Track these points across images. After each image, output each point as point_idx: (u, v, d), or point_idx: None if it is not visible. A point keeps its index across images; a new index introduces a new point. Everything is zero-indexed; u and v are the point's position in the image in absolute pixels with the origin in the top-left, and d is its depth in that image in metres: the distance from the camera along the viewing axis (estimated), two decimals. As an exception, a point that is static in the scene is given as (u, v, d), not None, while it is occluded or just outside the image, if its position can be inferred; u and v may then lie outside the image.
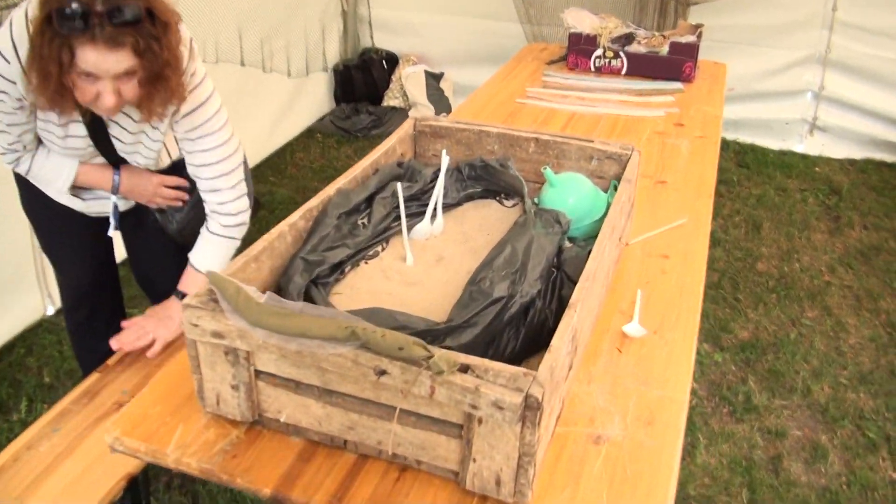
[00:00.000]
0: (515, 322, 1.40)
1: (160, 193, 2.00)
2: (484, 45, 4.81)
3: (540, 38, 4.44)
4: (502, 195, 1.87)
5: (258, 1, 3.90)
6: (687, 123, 2.61)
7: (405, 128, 1.94)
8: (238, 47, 3.54)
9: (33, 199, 2.05)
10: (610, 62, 3.04)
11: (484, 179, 1.86)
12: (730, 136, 4.75)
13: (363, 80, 4.87)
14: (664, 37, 3.04)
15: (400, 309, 1.36)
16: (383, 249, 1.64)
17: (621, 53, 3.01)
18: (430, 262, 1.63)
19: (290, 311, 1.21)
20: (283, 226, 1.50)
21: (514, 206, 1.84)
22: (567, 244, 1.68)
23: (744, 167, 4.47)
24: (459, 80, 5.00)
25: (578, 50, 3.07)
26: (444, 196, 1.80)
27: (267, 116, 4.33)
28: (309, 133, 4.77)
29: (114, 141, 1.85)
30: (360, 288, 1.53)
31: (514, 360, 1.41)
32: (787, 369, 2.87)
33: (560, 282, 1.51)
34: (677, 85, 2.93)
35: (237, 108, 3.94)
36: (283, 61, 4.24)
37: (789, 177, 4.35)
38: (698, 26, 3.14)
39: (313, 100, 4.80)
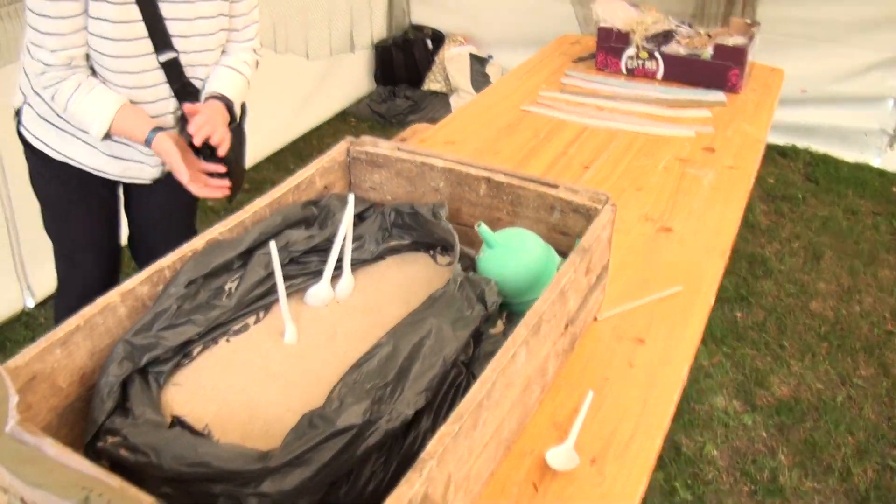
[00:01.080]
0: (381, 451, 1.01)
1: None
2: (537, 27, 4.31)
3: (592, 25, 3.94)
4: (438, 249, 1.46)
5: None
6: (719, 148, 2.13)
7: (334, 154, 1.55)
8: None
9: (51, 175, 1.85)
10: (644, 64, 2.55)
11: (413, 229, 1.46)
12: (801, 144, 4.16)
13: (404, 61, 4.46)
14: (709, 36, 2.54)
15: (258, 408, 1.03)
16: (257, 322, 1.26)
17: (657, 54, 2.52)
18: (320, 340, 1.25)
19: (28, 453, 0.86)
20: (113, 295, 1.14)
21: (449, 264, 1.43)
22: (498, 328, 1.27)
23: (812, 181, 3.89)
24: (509, 64, 4.52)
25: (608, 48, 2.59)
26: (359, 248, 1.41)
27: (293, 97, 3.98)
28: (343, 116, 4.40)
29: (169, 24, 1.67)
30: (207, 377, 1.16)
31: (383, 493, 1.03)
32: (826, 442, 2.38)
33: (465, 386, 1.11)
34: (719, 96, 2.43)
35: (258, 87, 3.60)
36: (300, 42, 3.82)
37: (862, 196, 3.75)
38: (752, 25, 2.61)
39: (349, 80, 4.42)
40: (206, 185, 1.77)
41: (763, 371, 2.66)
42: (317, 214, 1.42)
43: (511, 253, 1.33)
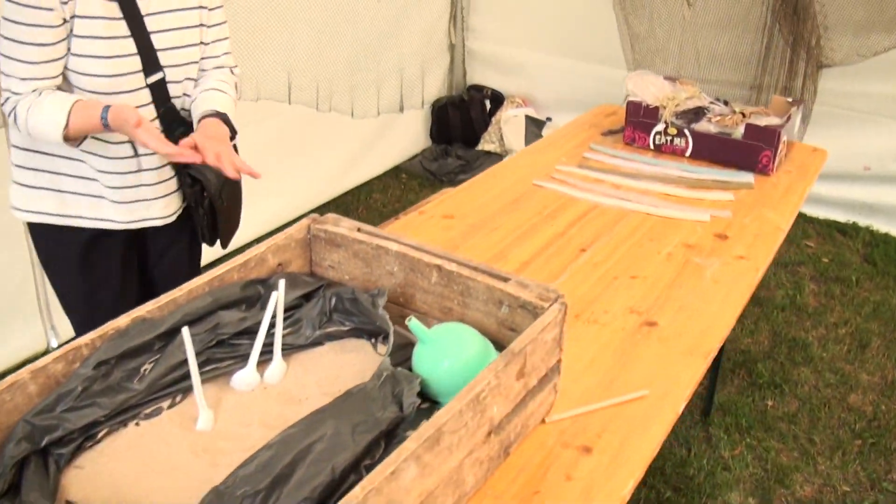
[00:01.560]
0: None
1: (146, 127, 1.62)
2: (593, 91, 4.23)
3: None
4: (380, 337, 1.39)
5: (325, 40, 3.53)
6: (733, 235, 1.99)
7: (292, 231, 1.52)
8: (286, 86, 3.21)
9: (63, 247, 1.83)
10: (672, 140, 2.44)
11: (354, 315, 1.40)
12: (862, 222, 3.91)
13: (460, 120, 4.44)
14: (743, 115, 2.40)
15: (147, 500, 1.00)
16: (172, 406, 1.22)
17: (686, 131, 2.40)
18: (235, 428, 1.20)
19: None
20: (23, 372, 1.12)
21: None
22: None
23: (870, 263, 3.64)
24: (566, 127, 4.46)
25: (637, 123, 2.49)
26: (294, 333, 1.37)
27: (344, 151, 4.00)
28: (395, 172, 4.41)
29: (155, 39, 1.69)
30: (108, 462, 1.12)
31: None
32: (845, 554, 2.17)
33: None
34: (747, 178, 2.29)
35: (306, 139, 3.64)
36: (345, 102, 3.81)
37: (924, 282, 3.49)
38: (794, 103, 2.46)
39: (406, 136, 4.43)
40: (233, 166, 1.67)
41: (787, 467, 2.46)
42: (262, 293, 1.37)
43: (444, 350, 1.25)
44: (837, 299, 3.38)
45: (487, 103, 4.53)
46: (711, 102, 2.49)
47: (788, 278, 3.53)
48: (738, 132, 2.35)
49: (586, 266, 1.83)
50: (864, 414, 2.71)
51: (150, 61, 1.71)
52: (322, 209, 3.94)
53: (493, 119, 4.47)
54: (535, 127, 4.35)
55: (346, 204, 4.02)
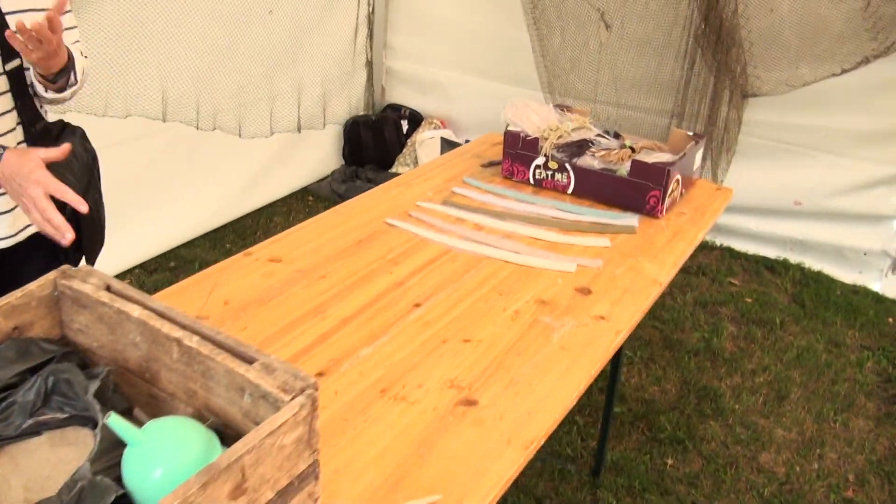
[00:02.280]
0: None
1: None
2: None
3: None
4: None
5: (211, 56, 3.24)
6: (599, 290, 1.75)
7: (33, 287, 1.24)
8: (160, 102, 2.93)
9: None
10: (553, 176, 2.20)
11: (73, 400, 1.13)
12: (793, 259, 3.71)
13: (373, 140, 4.19)
14: (632, 150, 2.17)
15: None
16: None
17: (568, 166, 2.16)
18: None
19: None
20: None
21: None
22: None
23: (797, 304, 3.43)
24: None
25: (515, 155, 2.25)
26: (4, 421, 1.09)
27: (245, 171, 3.73)
28: (302, 194, 4.14)
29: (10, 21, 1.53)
30: None
31: None
32: None
33: None
34: (631, 221, 2.05)
35: (202, 159, 3.37)
36: (230, 120, 3.51)
37: (852, 326, 3.28)
38: (696, 138, 2.24)
39: (316, 156, 4.17)
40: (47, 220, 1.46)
41: (677, 543, 2.22)
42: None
43: (157, 455, 0.99)
44: (758, 343, 3.16)
45: (405, 124, 4.29)
46: (599, 135, 2.26)
47: (707, 319, 3.31)
48: (624, 169, 2.12)
49: (415, 325, 1.58)
50: (775, 476, 2.48)
51: (6, 46, 1.51)
52: (217, 232, 3.67)
53: (409, 140, 4.23)
54: (449, 149, 4.10)
55: (243, 228, 3.74)
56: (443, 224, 1.98)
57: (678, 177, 2.13)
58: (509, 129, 2.25)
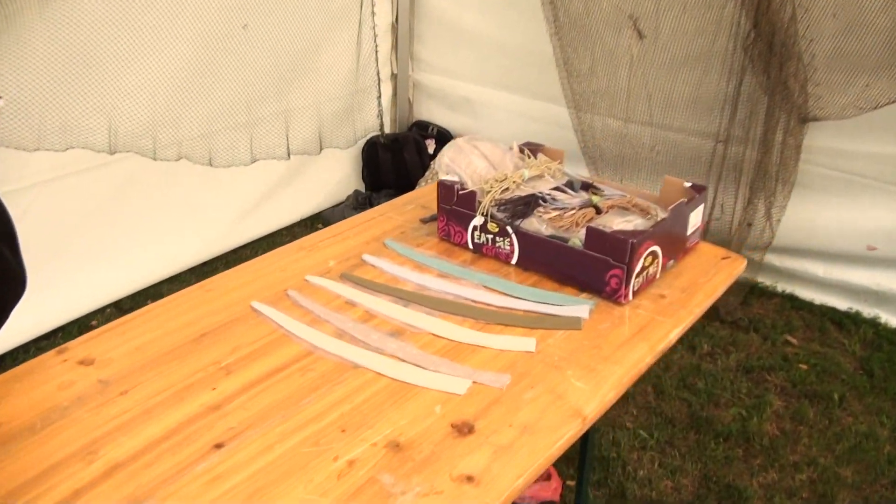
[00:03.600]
0: None
1: None
2: (542, 134, 3.42)
3: (589, 136, 3.03)
4: None
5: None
6: (484, 428, 1.20)
7: None
8: (107, 133, 2.54)
9: None
10: (494, 241, 1.65)
11: None
12: (867, 312, 2.98)
13: (391, 162, 3.70)
14: (597, 209, 1.60)
15: None
16: None
17: (510, 230, 1.61)
18: None
19: None
20: None
21: None
22: None
23: (866, 373, 2.72)
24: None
25: (450, 212, 1.71)
26: None
27: (244, 196, 3.33)
28: (311, 221, 3.71)
29: None
30: None
31: None
32: None
33: None
34: (578, 311, 1.49)
35: (197, 184, 3.01)
36: (202, 148, 3.03)
37: (932, 411, 2.54)
38: (696, 190, 1.64)
39: (333, 179, 3.72)
40: None
41: None
42: None
43: None
44: (808, 426, 2.48)
45: (431, 144, 3.78)
46: (559, 188, 1.69)
47: (750, 390, 2.65)
48: (577, 238, 1.55)
49: (196, 483, 1.09)
50: None
51: None
52: (206, 267, 3.29)
53: (433, 162, 3.72)
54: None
55: (239, 260, 3.34)
56: (322, 311, 1.47)
57: (655, 248, 1.54)
58: (442, 178, 1.71)
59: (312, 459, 1.14)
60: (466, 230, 1.69)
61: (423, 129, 3.87)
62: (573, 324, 1.45)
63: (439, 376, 1.30)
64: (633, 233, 1.49)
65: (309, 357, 1.35)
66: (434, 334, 1.42)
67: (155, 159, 2.60)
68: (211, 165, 2.77)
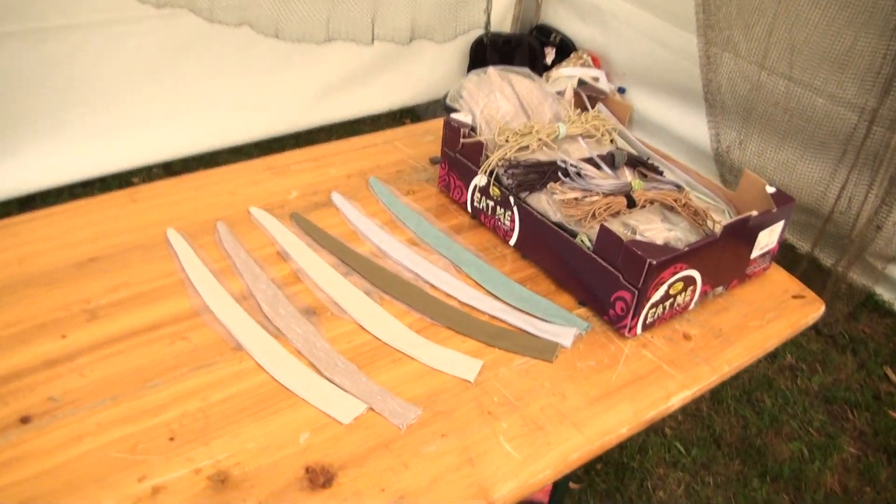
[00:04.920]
0: None
1: None
2: (673, 65, 2.87)
3: (714, 76, 2.48)
4: None
5: None
6: (348, 481, 0.87)
7: None
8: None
9: None
10: (494, 210, 1.25)
11: None
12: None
13: (499, 63, 3.23)
14: (630, 201, 1.16)
15: None
16: None
17: (512, 202, 1.21)
18: None
19: None
20: None
21: None
22: None
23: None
24: (649, 108, 3.09)
25: (453, 160, 1.31)
26: None
27: (325, 76, 2.99)
28: (401, 114, 3.34)
29: None
30: None
31: None
32: None
33: None
34: (562, 333, 1.09)
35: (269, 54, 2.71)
36: (311, 23, 2.66)
37: None
38: (781, 199, 1.17)
39: (436, 73, 3.31)
40: None
41: None
42: None
43: None
44: (876, 490, 1.99)
45: (551, 52, 3.27)
46: (593, 159, 1.25)
47: (822, 425, 2.16)
48: (585, 236, 1.12)
49: None
50: None
51: None
52: (275, 143, 3.03)
53: (544, 75, 3.22)
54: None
55: (312, 141, 3.04)
56: (241, 260, 1.15)
57: (690, 273, 1.10)
58: (452, 115, 1.31)
59: (116, 472, 0.84)
60: (467, 188, 1.30)
61: (545, 34, 3.36)
62: (545, 352, 1.06)
63: (330, 390, 0.96)
64: (658, 248, 1.05)
65: (192, 320, 1.05)
66: (359, 324, 1.07)
67: (211, 21, 2.30)
68: (277, 37, 2.44)
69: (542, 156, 1.24)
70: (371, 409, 0.94)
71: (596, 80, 3.15)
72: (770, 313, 1.20)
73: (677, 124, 2.95)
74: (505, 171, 1.22)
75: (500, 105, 1.30)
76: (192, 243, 1.17)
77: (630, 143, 1.36)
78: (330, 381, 0.97)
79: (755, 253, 1.21)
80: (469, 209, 1.31)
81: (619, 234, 1.07)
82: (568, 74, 3.12)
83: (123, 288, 1.09)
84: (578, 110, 1.41)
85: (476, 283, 1.17)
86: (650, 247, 1.05)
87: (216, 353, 1.00)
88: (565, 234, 1.14)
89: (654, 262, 1.03)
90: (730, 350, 1.12)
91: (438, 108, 3.27)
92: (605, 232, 1.08)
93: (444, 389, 0.99)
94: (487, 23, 2.96)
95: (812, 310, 1.22)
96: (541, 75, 3.22)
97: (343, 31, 2.58)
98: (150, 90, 2.56)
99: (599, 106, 1.44)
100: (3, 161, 2.36)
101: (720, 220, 1.16)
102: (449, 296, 1.13)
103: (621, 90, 3.16)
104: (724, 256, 1.15)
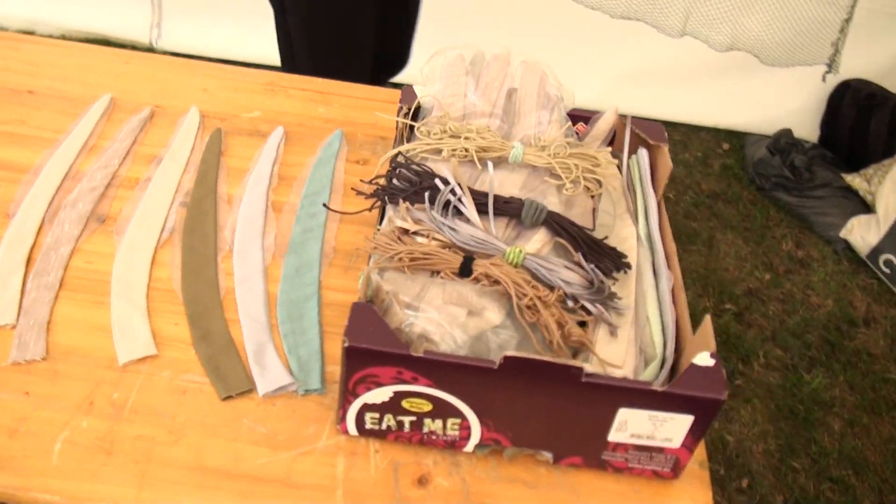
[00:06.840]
0: None
1: None
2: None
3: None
4: None
5: None
6: None
7: None
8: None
9: None
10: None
11: None
12: None
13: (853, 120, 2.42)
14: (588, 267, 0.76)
15: None
16: None
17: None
18: None
19: None
20: None
21: None
22: None
23: None
24: None
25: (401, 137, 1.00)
26: None
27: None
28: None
29: None
30: None
31: None
32: None
33: None
34: (285, 378, 0.79)
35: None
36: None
37: None
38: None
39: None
40: None
41: None
42: None
43: None
44: None
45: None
46: (506, 199, 0.84)
47: None
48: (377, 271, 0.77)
49: None
50: None
51: None
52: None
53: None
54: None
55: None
56: (116, 149, 1.04)
57: (443, 397, 0.70)
58: (421, 98, 0.98)
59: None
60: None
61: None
62: (229, 385, 0.78)
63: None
64: (385, 334, 0.68)
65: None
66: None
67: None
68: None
69: (450, 169, 0.88)
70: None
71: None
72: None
73: None
74: (395, 169, 0.90)
75: (472, 98, 0.95)
76: (114, 116, 1.10)
77: (615, 206, 0.89)
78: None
79: (618, 436, 0.72)
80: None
81: (385, 295, 0.72)
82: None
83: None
84: (599, 143, 0.97)
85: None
86: (377, 328, 0.68)
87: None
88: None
89: (349, 346, 0.67)
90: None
91: (760, 145, 2.62)
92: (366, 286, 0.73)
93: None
94: (833, 61, 2.20)
95: None
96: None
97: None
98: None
99: (640, 152, 0.97)
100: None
101: (622, 366, 0.70)
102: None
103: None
104: (526, 408, 0.70)
